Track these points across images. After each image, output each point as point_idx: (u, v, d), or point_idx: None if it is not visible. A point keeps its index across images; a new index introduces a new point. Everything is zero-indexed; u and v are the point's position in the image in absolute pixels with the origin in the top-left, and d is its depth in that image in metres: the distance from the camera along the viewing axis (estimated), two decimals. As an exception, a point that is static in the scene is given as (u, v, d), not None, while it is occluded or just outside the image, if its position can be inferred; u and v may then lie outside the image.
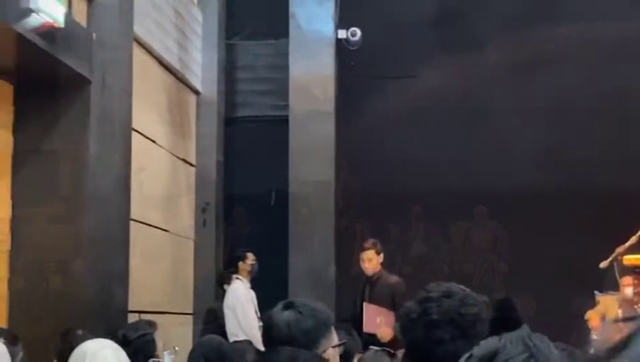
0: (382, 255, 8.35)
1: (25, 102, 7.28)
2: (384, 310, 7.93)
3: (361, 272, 8.51)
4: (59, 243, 6.96)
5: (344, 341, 3.00)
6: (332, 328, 2.88)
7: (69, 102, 7.33)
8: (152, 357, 4.34)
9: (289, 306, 2.89)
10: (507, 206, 10.96)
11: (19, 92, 7.30)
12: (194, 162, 10.93)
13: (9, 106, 7.28)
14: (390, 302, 8.00)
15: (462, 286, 2.61)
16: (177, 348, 5.66)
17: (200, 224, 10.83)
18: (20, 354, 4.31)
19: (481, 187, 11.02)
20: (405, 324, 2.59)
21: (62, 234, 6.97)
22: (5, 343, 2.88)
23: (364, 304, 8.06)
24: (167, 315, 9.13)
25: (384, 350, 5.83)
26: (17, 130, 7.33)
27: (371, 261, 8.27)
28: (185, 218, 10.59)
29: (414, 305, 2.58)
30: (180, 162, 10.47)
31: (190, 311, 10.46)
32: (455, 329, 2.47)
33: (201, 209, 10.86)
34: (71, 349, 4.74)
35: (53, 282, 6.83)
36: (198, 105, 11.14)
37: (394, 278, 8.47)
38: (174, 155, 10.20)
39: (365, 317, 7.92)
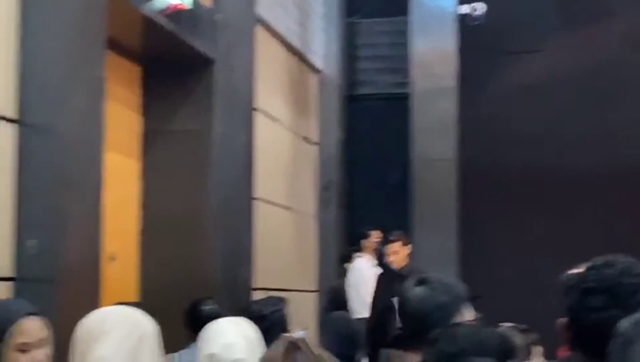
0: (409, 247, 8.00)
1: (153, 84, 7.44)
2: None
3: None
4: (187, 221, 7.10)
5: (479, 316, 2.98)
6: (466, 304, 2.86)
7: (195, 82, 7.45)
8: (285, 332, 4.39)
9: (422, 282, 2.89)
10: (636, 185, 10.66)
11: (147, 73, 7.46)
12: (315, 141, 10.98)
13: (137, 88, 7.45)
14: None
15: (631, 259, 2.56)
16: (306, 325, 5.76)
17: (322, 202, 10.89)
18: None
19: (610, 166, 10.74)
20: (565, 290, 2.60)
21: (189, 213, 7.11)
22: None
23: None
24: (290, 292, 9.23)
25: None
26: (145, 111, 7.49)
27: (397, 253, 7.92)
28: (307, 196, 10.66)
29: (576, 275, 2.60)
30: (302, 140, 10.54)
31: (313, 289, 10.54)
32: (612, 298, 2.43)
33: (323, 188, 10.92)
34: (202, 321, 4.85)
35: (181, 259, 6.97)
36: (319, 84, 11.18)
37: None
38: (296, 133, 10.27)
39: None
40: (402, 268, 7.80)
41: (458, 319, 2.78)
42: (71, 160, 5.36)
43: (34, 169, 5.20)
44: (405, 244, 7.97)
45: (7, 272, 5.09)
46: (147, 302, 5.09)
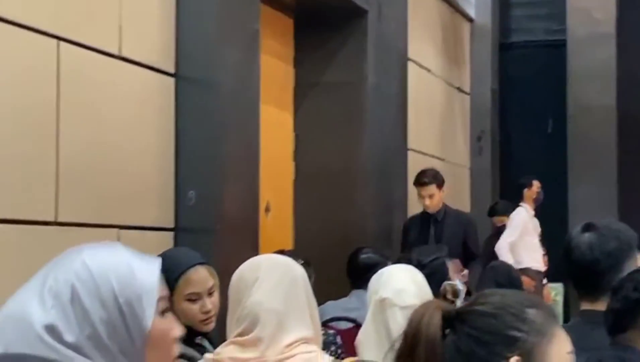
0: (444, 189, 6.99)
1: (305, 36, 7.44)
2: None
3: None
4: (340, 173, 7.11)
5: None
6: (636, 250, 2.73)
7: (347, 33, 7.42)
8: (445, 280, 4.36)
9: (589, 228, 2.77)
10: None
11: (299, 25, 7.47)
12: (468, 90, 10.81)
13: (289, 40, 7.47)
14: (460, 243, 6.79)
15: None
16: (464, 272, 5.75)
17: (476, 153, 10.74)
18: (313, 276, 4.46)
19: None
20: None
21: (343, 164, 7.11)
22: (303, 265, 2.99)
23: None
24: (444, 244, 9.16)
25: None
26: (297, 63, 7.52)
27: (433, 197, 6.88)
28: (460, 147, 10.54)
29: None
30: (455, 90, 10.39)
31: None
32: None
33: (476, 138, 10.76)
34: (360, 269, 4.87)
35: (335, 211, 7.00)
36: (472, 32, 10.98)
37: (465, 215, 7.35)
38: (448, 84, 10.13)
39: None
40: (438, 212, 6.93)
41: (629, 266, 2.67)
42: (228, 112, 5.44)
43: (191, 122, 5.30)
44: (439, 187, 6.91)
45: (168, 222, 5.22)
46: (301, 254, 5.14)
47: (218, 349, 2.49)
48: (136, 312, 1.46)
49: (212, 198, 5.29)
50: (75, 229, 4.43)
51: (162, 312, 1.52)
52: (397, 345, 1.62)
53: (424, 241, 6.67)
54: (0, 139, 4.02)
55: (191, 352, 2.97)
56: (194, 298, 3.10)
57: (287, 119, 7.42)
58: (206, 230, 5.14)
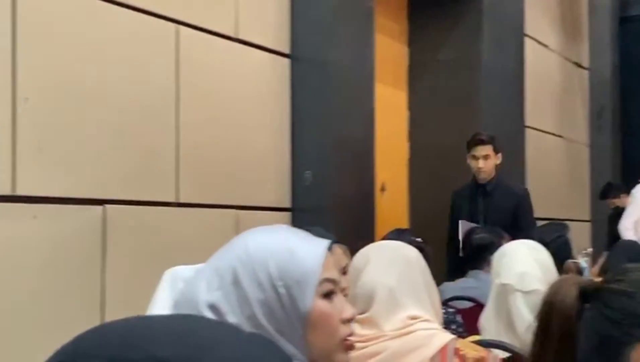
0: (500, 155, 5.96)
1: (419, 14, 7.39)
2: (495, 231, 5.00)
3: None
4: (456, 151, 7.04)
5: None
6: None
7: (462, 10, 7.34)
8: (569, 258, 4.29)
9: None
10: None
11: (413, 3, 7.42)
12: (587, 65, 10.56)
13: (403, 18, 7.43)
14: (510, 219, 5.77)
15: None
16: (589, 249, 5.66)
17: (596, 129, 10.50)
18: (431, 258, 4.44)
19: None
20: None
21: (458, 143, 7.04)
22: (420, 244, 2.98)
23: (460, 222, 5.72)
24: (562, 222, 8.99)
25: None
26: (412, 41, 7.47)
27: (488, 159, 5.85)
28: (579, 123, 10.31)
29: None
30: (573, 65, 10.16)
31: (587, 218, 10.24)
32: None
33: (596, 114, 10.51)
34: (473, 249, 4.82)
35: (452, 189, 6.94)
36: (590, 6, 10.70)
37: (518, 188, 6.24)
38: (566, 59, 9.92)
39: (464, 241, 5.24)
40: (490, 181, 5.95)
41: None
42: (343, 92, 5.45)
43: (307, 103, 5.33)
44: (496, 151, 5.90)
45: (285, 203, 5.28)
46: (417, 233, 5.11)
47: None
48: (294, 294, 1.50)
49: (328, 178, 5.32)
50: (195, 209, 4.53)
51: (327, 295, 1.54)
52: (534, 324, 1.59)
53: (472, 215, 5.83)
54: (123, 123, 4.12)
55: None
56: None
57: (401, 98, 7.39)
58: (322, 210, 5.17)
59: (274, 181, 5.20)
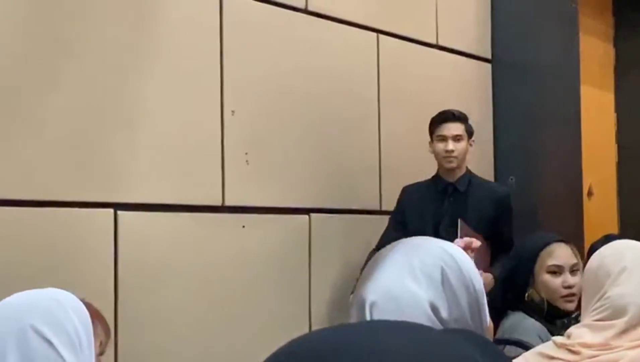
0: (472, 143, 4.38)
1: (625, 12, 7.14)
2: (473, 237, 3.80)
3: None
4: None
5: None
6: None
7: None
8: None
9: None
10: None
11: (618, 3, 7.18)
12: None
13: (608, 17, 7.20)
14: (489, 227, 4.25)
15: None
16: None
17: None
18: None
19: None
20: None
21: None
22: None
23: (459, 220, 4.16)
24: None
25: None
26: (617, 41, 7.23)
27: (460, 141, 4.28)
28: None
29: None
30: None
31: None
32: None
33: None
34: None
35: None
36: None
37: (499, 187, 4.61)
38: None
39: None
40: (460, 177, 4.34)
41: None
42: (547, 95, 5.33)
43: (509, 107, 5.25)
44: (469, 134, 4.33)
45: (489, 209, 5.21)
46: (629, 238, 4.92)
47: (571, 330, 2.42)
48: (481, 302, 1.53)
49: (532, 183, 5.22)
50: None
51: None
52: None
53: (434, 218, 4.24)
54: (326, 133, 4.20)
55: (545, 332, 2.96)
56: (554, 271, 3.12)
57: (608, 99, 7.16)
58: (527, 216, 5.06)
59: (477, 187, 5.14)
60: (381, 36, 4.53)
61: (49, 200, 3.27)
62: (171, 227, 3.60)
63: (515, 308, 3.12)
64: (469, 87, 5.13)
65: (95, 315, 1.98)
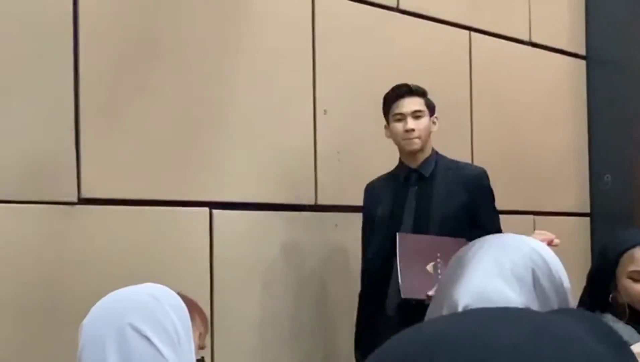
0: (437, 118, 3.68)
1: None
2: (445, 241, 3.35)
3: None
4: None
5: None
6: None
7: None
8: None
9: None
10: None
11: None
12: None
13: None
14: (464, 216, 3.54)
15: None
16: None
17: None
18: None
19: None
20: None
21: None
22: None
23: (398, 234, 3.41)
24: None
25: None
26: None
27: (420, 119, 3.58)
28: None
29: None
30: None
31: None
32: None
33: None
34: None
35: None
36: None
37: (471, 168, 3.80)
38: None
39: (401, 263, 3.32)
40: (426, 158, 3.63)
41: None
42: (641, 93, 5.23)
43: (604, 104, 5.17)
44: (430, 110, 3.64)
45: (584, 207, 5.14)
46: None
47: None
48: (570, 302, 1.52)
49: (629, 181, 5.12)
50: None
51: None
52: None
53: (396, 213, 3.57)
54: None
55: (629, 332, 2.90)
56: (635, 277, 3.04)
57: None
58: (624, 215, 4.98)
59: (572, 186, 5.08)
60: (473, 34, 4.51)
61: (149, 199, 3.36)
62: (264, 226, 3.67)
63: (604, 309, 3.05)
64: (563, 85, 5.07)
65: (193, 307, 2.01)
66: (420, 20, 4.24)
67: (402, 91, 3.61)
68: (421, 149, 3.59)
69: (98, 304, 1.80)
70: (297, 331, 3.72)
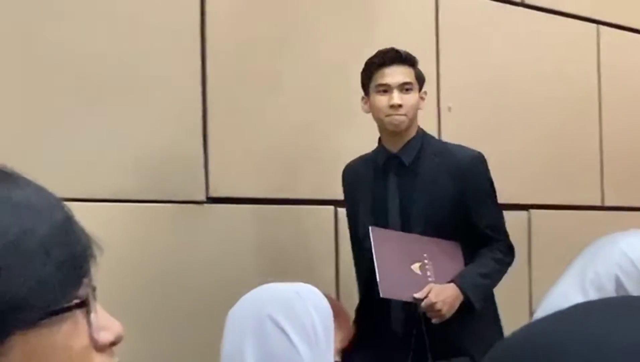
0: (425, 94, 3.09)
1: None
2: (434, 242, 2.95)
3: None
4: None
5: None
6: None
7: None
8: None
9: None
10: None
11: None
12: None
13: None
14: (456, 210, 2.96)
15: None
16: None
17: None
18: None
19: None
20: None
21: None
22: None
23: (371, 229, 2.92)
24: None
25: None
26: None
27: (409, 93, 3.00)
28: None
29: None
30: None
31: None
32: None
33: None
34: None
35: None
36: None
37: (464, 152, 3.07)
38: None
39: (378, 260, 2.86)
40: (410, 139, 3.04)
41: None
42: None
43: None
44: (419, 82, 3.05)
45: None
46: None
47: None
48: None
49: None
50: (618, 213, 4.43)
51: None
52: None
53: (378, 211, 3.04)
54: (545, 128, 4.16)
55: None
56: None
57: None
58: None
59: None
60: (601, 27, 4.41)
61: (273, 197, 3.43)
62: None
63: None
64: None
65: (338, 311, 2.03)
66: (546, 14, 4.20)
67: (388, 57, 3.02)
68: (406, 130, 3.01)
69: (247, 294, 1.85)
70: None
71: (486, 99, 3.95)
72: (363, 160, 3.12)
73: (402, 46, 3.19)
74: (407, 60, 3.01)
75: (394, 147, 3.02)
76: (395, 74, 2.99)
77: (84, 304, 0.74)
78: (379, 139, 3.06)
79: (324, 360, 1.78)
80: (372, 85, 3.02)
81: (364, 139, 3.60)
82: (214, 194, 3.30)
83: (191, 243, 3.23)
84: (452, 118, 3.86)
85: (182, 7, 3.26)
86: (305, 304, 1.80)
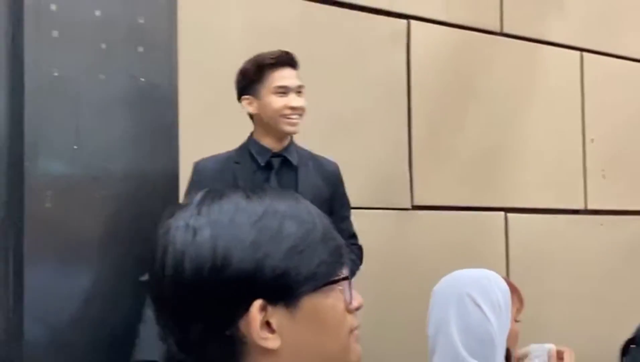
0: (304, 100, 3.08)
1: None
2: None
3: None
4: None
5: None
6: None
7: None
8: None
9: None
10: None
11: None
12: None
13: None
14: (327, 213, 2.42)
15: None
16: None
17: None
18: None
19: None
20: None
21: None
22: None
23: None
24: None
25: None
26: None
27: (302, 98, 3.06)
28: None
29: None
30: None
31: None
32: None
33: None
34: None
35: None
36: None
37: (328, 162, 3.20)
38: None
39: None
40: (286, 148, 3.11)
41: None
42: None
43: None
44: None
45: None
46: None
47: None
48: None
49: None
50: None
51: None
52: None
53: None
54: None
55: None
56: None
57: None
58: None
59: None
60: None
61: (465, 206, 4.02)
62: (550, 227, 4.34)
63: None
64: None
65: (513, 289, 2.34)
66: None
67: (284, 60, 3.02)
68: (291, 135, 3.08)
69: (446, 277, 2.20)
70: (577, 308, 4.32)
71: (627, 132, 4.52)
72: (222, 158, 3.05)
73: (554, 92, 4.08)
74: (296, 63, 3.05)
75: (276, 147, 3.05)
76: (292, 77, 3.03)
77: (346, 279, 0.97)
78: (253, 137, 3.04)
79: (506, 326, 2.14)
80: (266, 85, 3.00)
81: (524, 160, 4.24)
82: (417, 202, 3.88)
83: (399, 244, 3.79)
84: (594, 148, 4.44)
85: (391, 60, 3.86)
86: (492, 285, 2.14)
